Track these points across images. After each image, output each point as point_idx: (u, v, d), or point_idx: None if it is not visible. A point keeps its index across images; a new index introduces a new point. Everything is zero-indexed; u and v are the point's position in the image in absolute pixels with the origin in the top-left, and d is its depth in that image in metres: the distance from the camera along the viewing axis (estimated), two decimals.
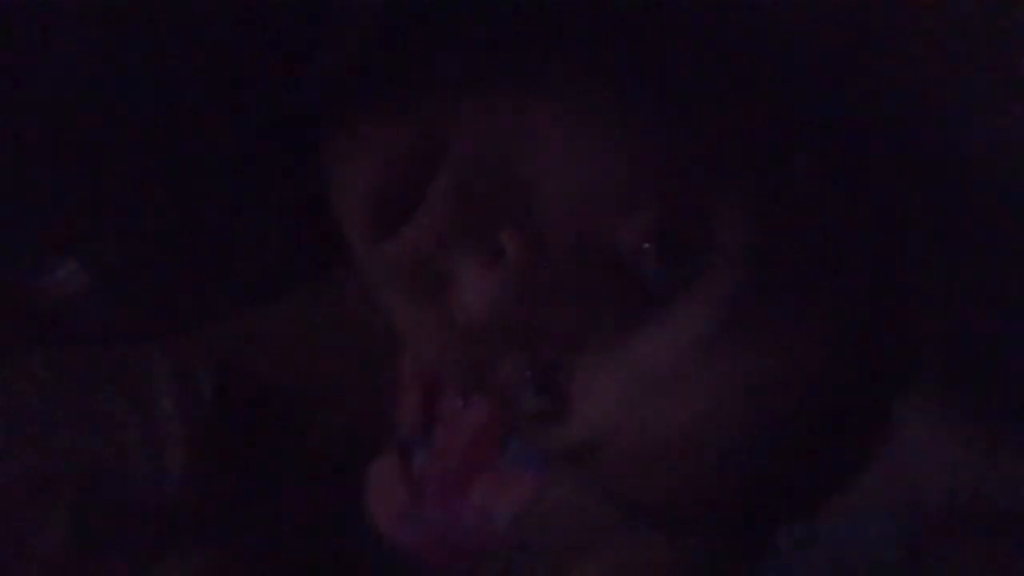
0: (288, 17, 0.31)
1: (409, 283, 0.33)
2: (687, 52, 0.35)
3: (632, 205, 0.31)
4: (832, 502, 0.37)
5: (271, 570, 0.63)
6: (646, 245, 0.31)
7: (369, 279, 0.36)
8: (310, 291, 0.56)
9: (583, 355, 0.32)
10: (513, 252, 0.31)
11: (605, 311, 0.32)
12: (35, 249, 0.37)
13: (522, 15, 0.34)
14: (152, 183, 0.35)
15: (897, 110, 0.37)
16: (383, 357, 0.65)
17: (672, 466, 0.32)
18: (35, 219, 0.35)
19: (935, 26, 0.33)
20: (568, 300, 0.31)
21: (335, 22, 0.32)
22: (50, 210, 0.35)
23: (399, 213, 0.32)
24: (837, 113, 0.36)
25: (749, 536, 0.50)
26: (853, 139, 0.37)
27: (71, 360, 0.65)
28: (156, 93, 0.31)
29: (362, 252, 0.34)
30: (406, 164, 0.32)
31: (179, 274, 0.40)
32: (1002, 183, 0.38)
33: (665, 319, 0.31)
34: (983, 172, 0.38)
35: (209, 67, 0.31)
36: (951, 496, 0.49)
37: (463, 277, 0.31)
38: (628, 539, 0.56)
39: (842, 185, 0.35)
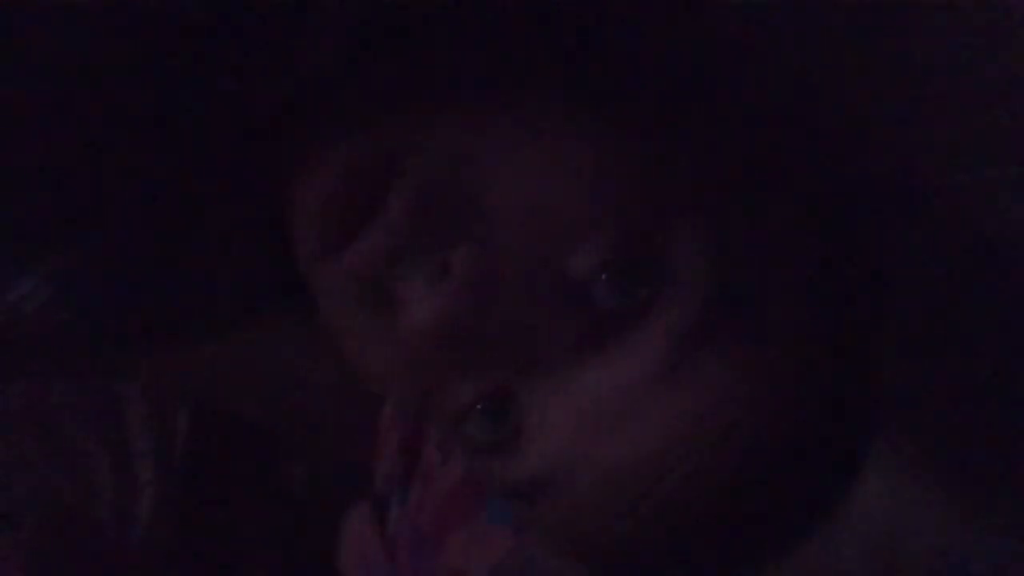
0: (258, 26, 0.31)
1: (358, 299, 0.33)
2: (647, 81, 0.35)
3: (586, 231, 0.31)
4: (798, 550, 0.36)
5: None
6: (603, 276, 0.30)
7: (318, 298, 0.36)
8: (290, 331, 0.56)
9: (535, 384, 0.32)
10: (462, 268, 0.30)
11: (556, 337, 0.31)
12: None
13: (483, 37, 0.35)
14: (116, 195, 0.35)
15: (863, 147, 0.37)
16: (365, 400, 0.64)
17: (627, 502, 0.32)
18: None
19: (911, 67, 0.34)
20: (518, 322, 0.31)
21: (302, 31, 0.32)
22: (11, 225, 0.35)
23: (350, 230, 0.32)
24: (803, 147, 0.37)
25: None
26: (817, 173, 0.37)
27: (45, 397, 0.64)
28: (122, 103, 0.31)
29: (311, 270, 0.34)
30: (360, 180, 0.31)
31: (147, 288, 0.40)
32: (975, 225, 0.38)
33: (618, 348, 0.31)
34: (955, 214, 0.38)
35: (175, 75, 0.31)
36: None
37: (411, 292, 0.31)
38: None
39: (803, 217, 0.35)
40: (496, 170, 0.31)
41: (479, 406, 0.32)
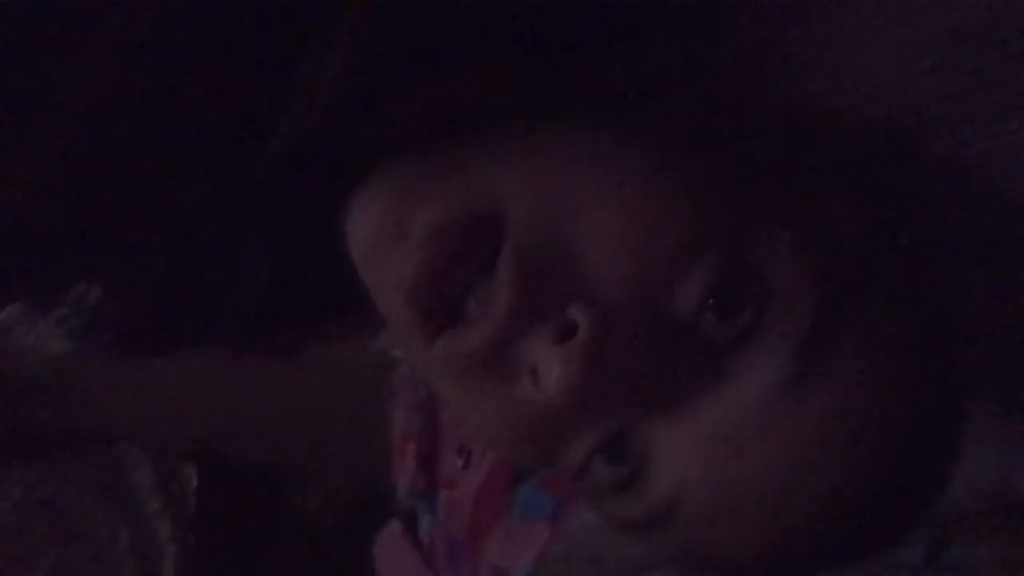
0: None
1: (480, 373, 0.32)
2: (726, 102, 0.35)
3: (687, 263, 0.31)
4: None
5: None
6: (710, 306, 0.30)
7: (423, 369, 0.35)
8: (286, 364, 0.54)
9: (654, 419, 0.31)
10: (586, 328, 0.30)
11: (673, 373, 0.31)
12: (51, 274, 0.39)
13: (564, 76, 0.34)
14: (154, 205, 0.36)
15: (932, 143, 0.37)
16: (371, 423, 0.63)
17: (751, 522, 0.31)
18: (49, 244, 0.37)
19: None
20: (638, 368, 0.31)
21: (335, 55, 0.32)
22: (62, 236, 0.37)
23: (455, 298, 0.31)
24: (872, 151, 0.36)
25: None
26: (889, 175, 0.37)
27: (49, 477, 0.62)
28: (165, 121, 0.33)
29: (415, 344, 0.33)
30: (461, 243, 0.31)
31: (167, 295, 0.41)
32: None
33: (732, 374, 0.31)
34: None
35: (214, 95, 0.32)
36: (975, 492, 0.47)
37: (537, 359, 0.30)
38: None
39: (880, 217, 0.35)
40: (592, 215, 0.31)
41: (601, 452, 0.32)
